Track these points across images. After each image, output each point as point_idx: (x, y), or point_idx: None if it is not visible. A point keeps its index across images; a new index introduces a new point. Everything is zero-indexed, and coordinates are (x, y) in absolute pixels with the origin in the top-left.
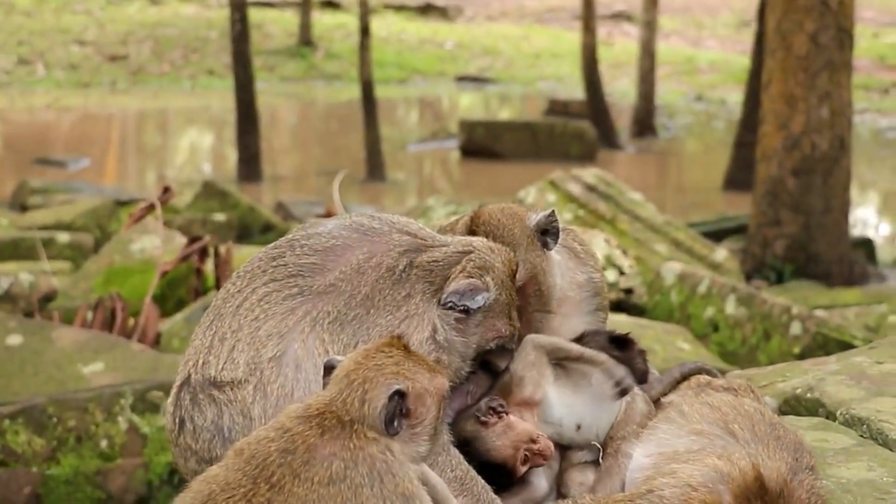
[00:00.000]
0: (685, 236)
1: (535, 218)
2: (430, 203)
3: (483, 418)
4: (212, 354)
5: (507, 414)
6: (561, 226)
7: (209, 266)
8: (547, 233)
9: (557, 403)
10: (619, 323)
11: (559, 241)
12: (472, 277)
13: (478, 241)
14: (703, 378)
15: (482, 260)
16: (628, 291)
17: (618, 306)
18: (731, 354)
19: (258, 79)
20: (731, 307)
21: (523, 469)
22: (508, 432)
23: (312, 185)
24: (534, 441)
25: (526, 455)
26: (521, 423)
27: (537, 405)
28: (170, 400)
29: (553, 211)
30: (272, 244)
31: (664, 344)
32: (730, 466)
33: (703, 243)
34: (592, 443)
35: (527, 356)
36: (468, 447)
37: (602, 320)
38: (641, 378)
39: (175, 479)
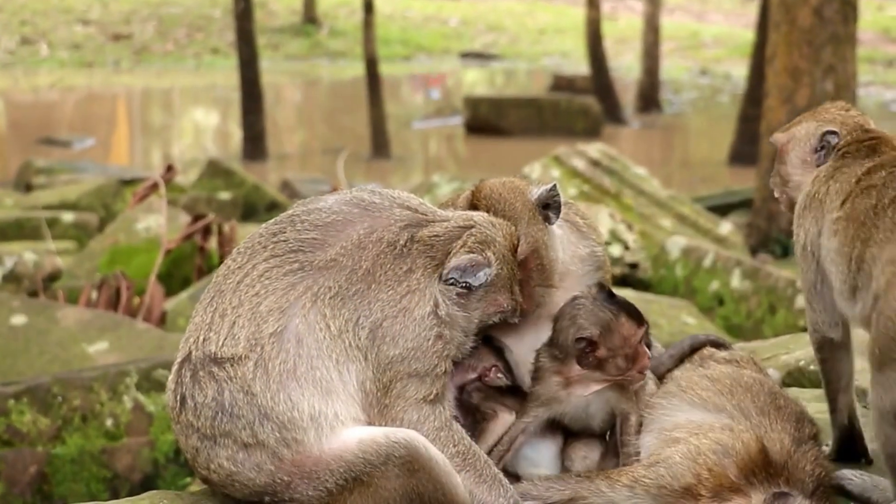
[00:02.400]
0: (690, 211)
1: (536, 192)
2: (434, 180)
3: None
4: (212, 331)
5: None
6: (562, 200)
7: (213, 244)
8: (548, 207)
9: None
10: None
11: (561, 215)
12: (473, 252)
13: (479, 215)
14: (707, 351)
15: (483, 234)
16: (633, 266)
17: (623, 281)
18: (736, 328)
19: (262, 57)
20: (736, 281)
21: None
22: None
23: (317, 163)
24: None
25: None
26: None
27: None
28: (171, 377)
29: (555, 185)
30: (273, 220)
31: (669, 318)
32: (733, 440)
33: (707, 217)
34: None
35: None
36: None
37: None
38: None
39: (181, 458)
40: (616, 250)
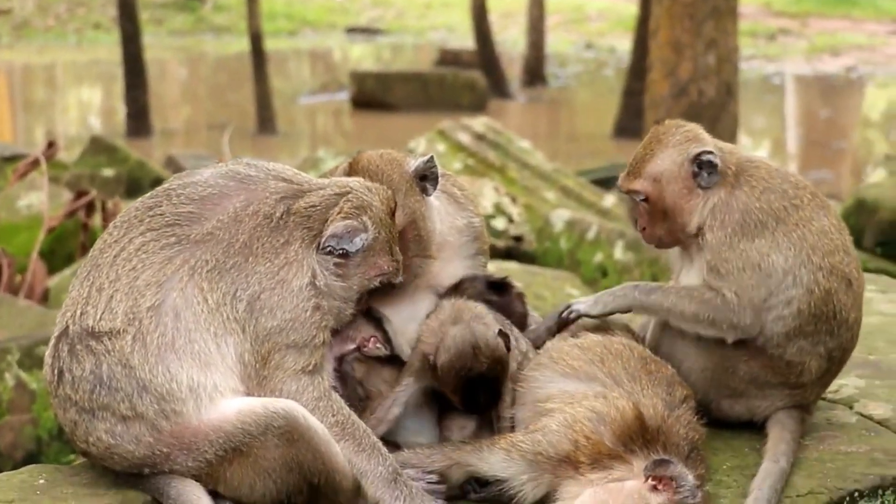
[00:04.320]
0: (574, 183)
1: (413, 164)
2: (320, 155)
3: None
4: (90, 305)
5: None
6: (440, 171)
7: (97, 221)
8: (426, 178)
9: None
10: (509, 270)
11: (438, 186)
12: (349, 219)
13: (355, 181)
14: (582, 320)
15: (359, 199)
16: (518, 239)
17: (507, 254)
18: None
19: (145, 32)
20: (619, 252)
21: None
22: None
23: (203, 139)
24: None
25: None
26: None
27: None
28: (48, 351)
29: (432, 156)
30: (149, 193)
31: (553, 290)
32: (608, 407)
33: (591, 190)
34: None
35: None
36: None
37: (482, 265)
38: (520, 321)
39: (65, 435)
40: (500, 223)
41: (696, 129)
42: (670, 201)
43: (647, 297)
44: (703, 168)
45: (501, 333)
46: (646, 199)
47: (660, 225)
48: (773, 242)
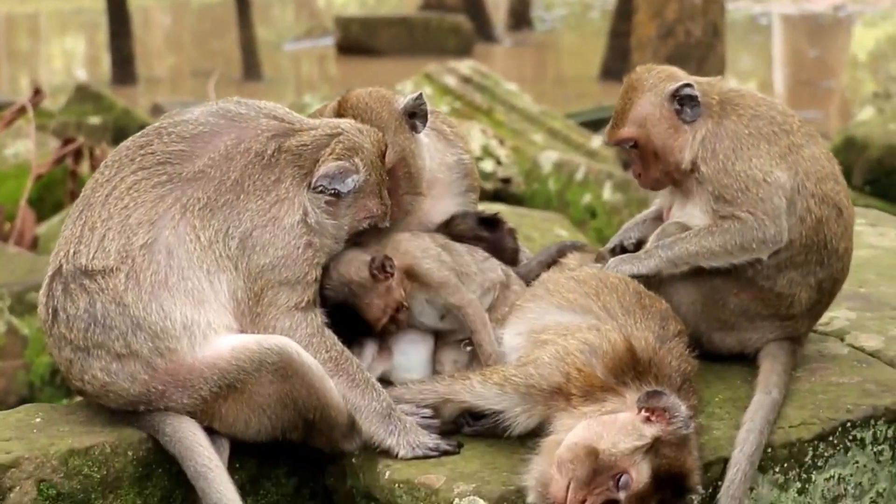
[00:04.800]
0: (562, 125)
1: (403, 101)
2: (306, 101)
3: (375, 272)
4: (82, 244)
5: (392, 276)
6: (429, 108)
7: (85, 168)
8: (415, 115)
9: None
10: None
11: (428, 123)
12: (341, 160)
13: (346, 122)
14: (576, 255)
15: (351, 141)
16: (506, 181)
17: (495, 196)
18: (608, 239)
19: None
20: (607, 193)
21: (379, 328)
22: (386, 295)
23: (188, 86)
24: (398, 310)
25: (389, 318)
26: (397, 290)
27: (416, 279)
28: (42, 290)
29: (421, 94)
30: (139, 132)
31: (542, 231)
32: (600, 339)
33: (579, 132)
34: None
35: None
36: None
37: (473, 202)
38: (512, 257)
39: (57, 379)
40: (488, 166)
41: (669, 68)
42: (659, 142)
43: (672, 251)
44: (683, 103)
45: (373, 261)
46: (635, 145)
47: (654, 168)
48: (769, 161)
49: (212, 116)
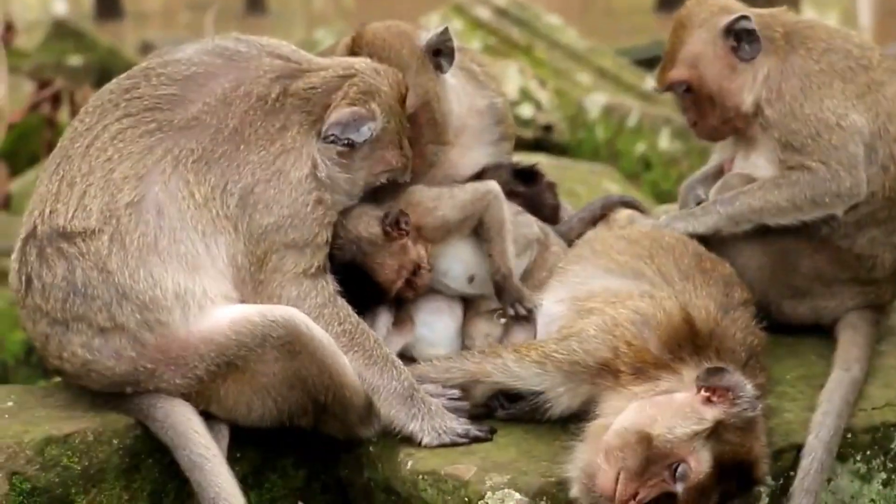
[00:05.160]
0: (612, 64)
1: (426, 36)
2: (318, 37)
3: (388, 229)
4: (60, 202)
5: (407, 234)
6: (456, 45)
7: (64, 116)
8: (440, 53)
9: (448, 254)
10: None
11: (455, 62)
12: (355, 105)
13: (361, 62)
14: (626, 212)
15: (366, 84)
16: (547, 128)
17: (535, 145)
18: (665, 194)
19: None
20: (664, 142)
21: (393, 293)
22: (401, 254)
23: (182, 21)
24: (415, 272)
25: (405, 281)
26: (413, 250)
27: (432, 242)
28: (14, 255)
29: (446, 28)
30: (125, 74)
31: (589, 186)
32: (654, 308)
33: (632, 71)
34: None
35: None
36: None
37: (506, 151)
38: (552, 214)
39: (32, 359)
40: (527, 111)
41: (722, 0)
42: (714, 85)
43: (732, 207)
44: (741, 38)
45: (386, 216)
46: (688, 89)
47: (711, 114)
48: (844, 102)
49: (207, 55)
